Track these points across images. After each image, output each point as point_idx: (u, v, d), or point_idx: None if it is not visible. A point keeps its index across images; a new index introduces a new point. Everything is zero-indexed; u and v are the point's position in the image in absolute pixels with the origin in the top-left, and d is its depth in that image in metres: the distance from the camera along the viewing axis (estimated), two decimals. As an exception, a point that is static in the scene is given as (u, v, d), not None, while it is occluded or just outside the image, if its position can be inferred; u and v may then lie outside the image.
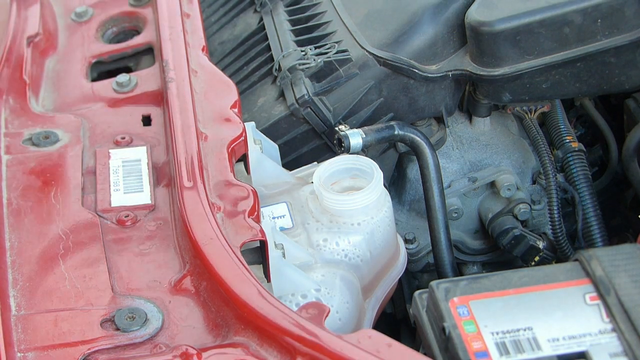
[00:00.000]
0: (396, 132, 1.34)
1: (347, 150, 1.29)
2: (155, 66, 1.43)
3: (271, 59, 1.49)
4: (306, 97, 1.39)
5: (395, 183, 1.47)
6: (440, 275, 1.37)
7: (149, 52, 1.49)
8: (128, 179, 1.24)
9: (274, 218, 1.22)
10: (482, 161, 1.46)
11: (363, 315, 1.19)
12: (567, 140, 1.46)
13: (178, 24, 1.43)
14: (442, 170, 1.42)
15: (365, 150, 1.39)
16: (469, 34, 1.34)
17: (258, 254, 1.11)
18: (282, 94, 1.44)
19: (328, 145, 1.42)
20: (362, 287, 1.20)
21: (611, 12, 1.28)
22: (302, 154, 1.44)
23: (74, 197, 1.20)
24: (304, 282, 1.13)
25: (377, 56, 1.38)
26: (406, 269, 1.30)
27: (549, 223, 1.40)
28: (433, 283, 1.03)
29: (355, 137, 1.30)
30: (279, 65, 1.45)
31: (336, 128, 1.33)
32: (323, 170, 1.23)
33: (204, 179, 1.14)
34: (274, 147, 1.34)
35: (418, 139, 1.34)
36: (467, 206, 1.47)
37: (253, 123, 1.29)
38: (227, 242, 1.06)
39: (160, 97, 1.36)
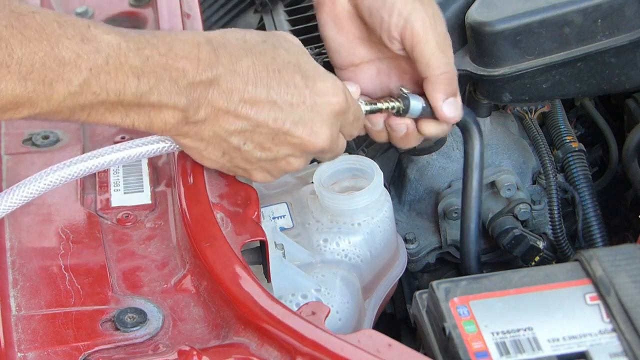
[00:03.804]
0: None
1: (406, 110, 1.21)
2: (155, 66, 1.42)
3: (271, 59, 1.49)
4: (306, 97, 1.39)
5: (395, 183, 1.47)
6: (463, 266, 1.34)
7: (149, 52, 1.49)
8: (128, 179, 1.24)
9: (274, 218, 1.22)
10: (482, 161, 1.46)
11: (363, 315, 1.19)
12: (567, 140, 1.46)
13: (178, 24, 1.43)
14: (442, 170, 1.42)
15: (365, 150, 1.38)
16: (469, 34, 1.34)
17: (258, 254, 1.11)
18: (282, 94, 1.43)
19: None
20: (362, 287, 1.20)
21: (611, 12, 1.28)
22: (302, 153, 1.44)
23: (74, 197, 1.21)
24: (304, 282, 1.13)
25: (377, 56, 1.38)
26: (406, 269, 1.30)
27: (549, 223, 1.40)
28: (433, 283, 1.03)
29: (416, 99, 1.23)
30: (279, 65, 1.45)
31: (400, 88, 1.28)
32: (323, 170, 1.23)
33: (204, 179, 1.14)
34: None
35: (469, 121, 1.30)
36: (467, 206, 1.47)
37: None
38: (227, 242, 1.06)
39: (160, 97, 1.35)
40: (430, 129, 1.21)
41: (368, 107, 1.20)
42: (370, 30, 1.21)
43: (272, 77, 1.06)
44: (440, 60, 1.17)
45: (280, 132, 1.07)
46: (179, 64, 1.00)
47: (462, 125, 1.31)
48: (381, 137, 1.24)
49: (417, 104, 1.20)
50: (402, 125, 1.21)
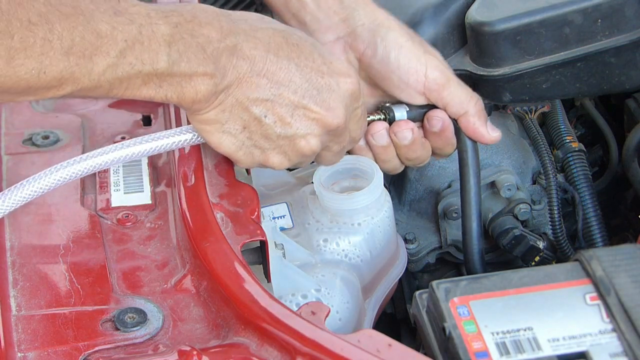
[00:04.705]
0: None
1: (392, 121, 1.26)
2: (155, 66, 1.42)
3: (271, 59, 1.49)
4: (306, 97, 1.39)
5: (395, 183, 1.47)
6: (468, 267, 1.33)
7: (149, 52, 1.49)
8: (128, 179, 1.24)
9: (274, 218, 1.22)
10: (482, 161, 1.45)
11: (363, 315, 1.19)
12: (567, 140, 1.46)
13: (178, 24, 1.43)
14: (442, 170, 1.42)
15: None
16: (469, 34, 1.34)
17: (258, 254, 1.11)
18: (282, 94, 1.43)
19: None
20: (362, 287, 1.20)
21: (611, 12, 1.28)
22: (302, 153, 1.44)
23: (74, 197, 1.21)
24: (304, 282, 1.13)
25: (377, 56, 1.38)
26: (406, 269, 1.30)
27: (549, 223, 1.40)
28: (433, 283, 1.03)
29: (400, 110, 1.27)
30: (279, 65, 1.45)
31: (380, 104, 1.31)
32: (323, 171, 1.23)
33: (204, 179, 1.14)
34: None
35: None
36: (467, 206, 1.46)
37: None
38: (227, 242, 1.06)
39: (160, 97, 1.35)
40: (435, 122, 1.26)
41: None
42: (376, 86, 1.26)
43: (292, 49, 1.09)
44: (467, 94, 1.25)
45: (300, 105, 1.09)
46: (204, 30, 1.03)
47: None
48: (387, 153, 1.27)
49: (402, 113, 1.25)
50: (382, 132, 1.24)
